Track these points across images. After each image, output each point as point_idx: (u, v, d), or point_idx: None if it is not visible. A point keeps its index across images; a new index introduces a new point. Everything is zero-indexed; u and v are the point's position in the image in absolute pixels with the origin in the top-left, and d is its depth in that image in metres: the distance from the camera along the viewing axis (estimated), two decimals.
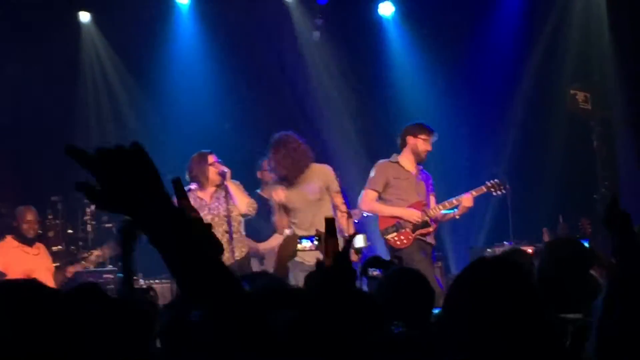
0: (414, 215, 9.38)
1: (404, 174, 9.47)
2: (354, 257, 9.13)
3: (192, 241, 2.09)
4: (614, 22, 11.77)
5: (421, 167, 9.62)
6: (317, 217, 9.21)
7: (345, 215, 9.25)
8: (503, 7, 12.99)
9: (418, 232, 9.39)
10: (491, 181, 9.73)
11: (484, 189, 9.62)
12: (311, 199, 9.24)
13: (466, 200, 9.41)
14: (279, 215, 9.36)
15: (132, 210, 2.03)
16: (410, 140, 9.48)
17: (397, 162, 9.51)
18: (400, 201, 9.44)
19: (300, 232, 9.01)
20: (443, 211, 9.53)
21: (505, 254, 7.21)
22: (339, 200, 9.35)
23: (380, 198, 9.52)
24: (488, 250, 11.83)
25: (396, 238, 9.40)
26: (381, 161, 9.64)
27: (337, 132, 13.48)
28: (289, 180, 9.26)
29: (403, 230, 9.39)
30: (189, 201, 2.97)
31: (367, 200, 9.55)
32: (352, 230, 9.31)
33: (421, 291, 4.43)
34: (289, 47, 13.18)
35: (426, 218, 9.42)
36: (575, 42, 12.45)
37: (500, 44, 12.86)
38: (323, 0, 12.40)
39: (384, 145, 11.68)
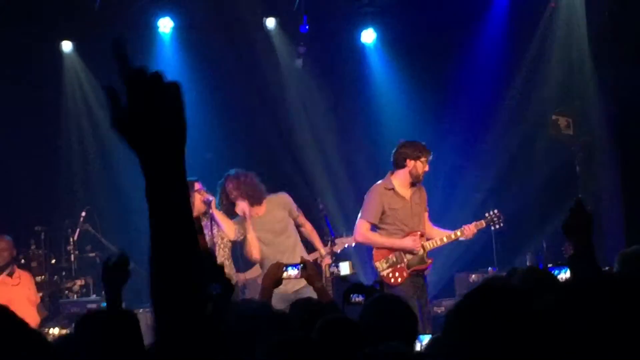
0: (411, 244, 9.20)
1: (400, 202, 9.29)
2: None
3: (181, 209, 1.97)
4: (595, 47, 11.84)
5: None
6: (287, 248, 9.32)
7: (313, 230, 9.37)
8: (485, 33, 13.05)
9: (414, 268, 9.22)
10: (490, 213, 9.64)
11: (483, 223, 9.52)
12: (278, 228, 9.34)
13: (471, 233, 9.41)
14: (249, 244, 9.39)
15: (143, 148, 1.89)
16: (410, 163, 9.30)
17: (393, 189, 9.31)
18: (398, 231, 9.28)
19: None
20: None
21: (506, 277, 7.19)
22: (302, 219, 9.49)
23: (377, 227, 9.34)
24: (472, 276, 11.82)
25: (391, 275, 9.21)
26: (376, 187, 9.43)
27: (321, 158, 13.48)
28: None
29: (398, 266, 9.22)
30: (204, 237, 2.99)
31: (362, 231, 9.36)
32: (320, 244, 9.43)
33: (405, 318, 4.43)
34: (272, 75, 13.20)
35: (422, 251, 9.25)
36: (557, 67, 12.51)
37: (482, 69, 12.91)
38: (305, 28, 12.44)
39: (368, 171, 11.72)
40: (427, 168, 9.35)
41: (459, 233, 9.39)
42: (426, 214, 9.54)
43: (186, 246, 1.95)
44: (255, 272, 10.55)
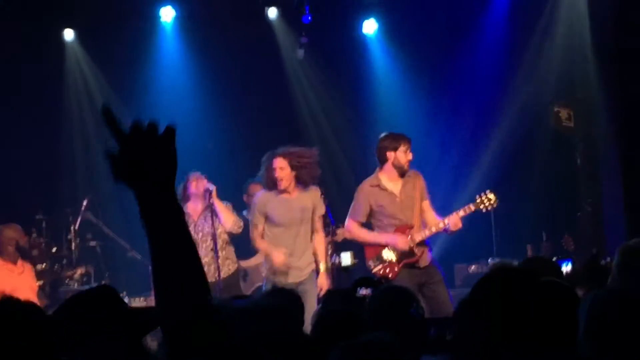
0: (401, 242, 9.06)
1: (388, 198, 9.18)
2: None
3: (178, 235, 2.19)
4: (597, 40, 11.84)
5: (407, 174, 9.27)
6: (297, 239, 9.23)
7: (324, 239, 9.27)
8: (486, 25, 13.05)
9: (404, 262, 9.10)
10: (480, 195, 9.28)
11: (472, 207, 9.16)
12: (298, 216, 9.21)
13: (454, 224, 9.08)
14: (256, 230, 9.26)
15: (137, 188, 2.19)
16: (391, 155, 9.18)
17: (378, 186, 9.21)
18: (389, 226, 9.18)
19: (278, 250, 9.06)
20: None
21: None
22: (319, 226, 9.36)
23: (369, 224, 9.28)
24: (472, 267, 11.85)
25: (382, 271, 9.10)
26: (362, 185, 9.36)
27: (322, 149, 13.48)
28: (287, 189, 9.19)
29: (388, 262, 9.14)
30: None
31: (349, 228, 9.32)
32: (324, 258, 9.30)
33: (410, 307, 4.44)
34: (273, 66, 13.21)
35: (412, 245, 9.05)
36: (559, 59, 12.49)
37: (483, 61, 12.91)
38: (308, 18, 12.44)
39: (369, 161, 11.72)
40: (410, 157, 9.18)
41: (441, 225, 9.20)
42: (426, 203, 9.34)
43: (185, 265, 2.19)
44: (257, 260, 10.57)
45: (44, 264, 11.01)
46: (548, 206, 12.22)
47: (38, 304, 9.43)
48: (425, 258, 9.21)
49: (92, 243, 11.58)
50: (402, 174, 9.24)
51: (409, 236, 9.10)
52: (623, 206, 11.11)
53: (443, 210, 9.63)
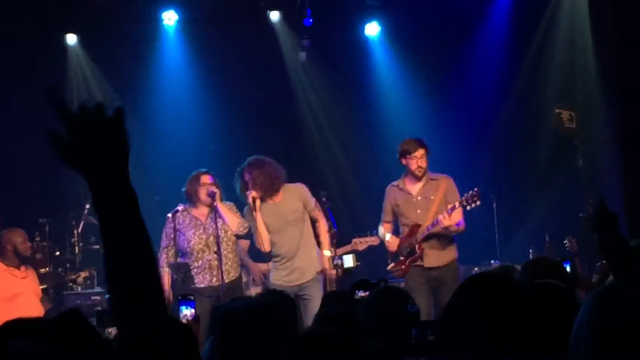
0: (390, 243, 9.47)
1: (405, 197, 9.43)
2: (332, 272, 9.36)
3: (133, 224, 2.16)
4: (598, 41, 11.84)
5: (432, 177, 9.45)
6: (295, 241, 9.31)
7: (327, 229, 9.34)
8: (488, 27, 13.06)
9: (409, 260, 9.34)
10: (467, 193, 9.30)
11: (456, 204, 9.19)
12: (291, 219, 9.32)
13: (441, 222, 9.13)
14: (259, 235, 9.35)
15: (88, 173, 2.13)
16: (403, 162, 9.43)
17: (397, 186, 9.49)
18: (404, 226, 9.51)
19: (280, 255, 9.15)
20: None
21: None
22: (317, 215, 9.45)
23: (398, 223, 9.59)
24: (475, 269, 11.84)
25: (394, 269, 9.46)
26: (389, 186, 9.64)
27: (324, 151, 13.51)
28: (264, 199, 9.31)
29: (399, 260, 9.42)
30: None
31: (379, 229, 9.76)
32: (327, 246, 9.39)
33: (402, 310, 4.45)
34: (275, 68, 13.22)
35: (393, 247, 9.43)
36: (560, 61, 12.50)
37: (485, 63, 12.92)
38: (309, 21, 12.45)
39: (371, 164, 11.75)
40: (421, 163, 9.34)
41: (435, 222, 9.25)
42: (450, 206, 9.27)
43: (139, 256, 2.16)
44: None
45: (48, 268, 11.04)
46: (550, 208, 12.21)
47: (41, 308, 9.53)
48: (431, 258, 9.36)
49: (96, 246, 11.61)
50: (417, 178, 9.38)
51: (415, 234, 9.31)
52: (624, 207, 11.10)
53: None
